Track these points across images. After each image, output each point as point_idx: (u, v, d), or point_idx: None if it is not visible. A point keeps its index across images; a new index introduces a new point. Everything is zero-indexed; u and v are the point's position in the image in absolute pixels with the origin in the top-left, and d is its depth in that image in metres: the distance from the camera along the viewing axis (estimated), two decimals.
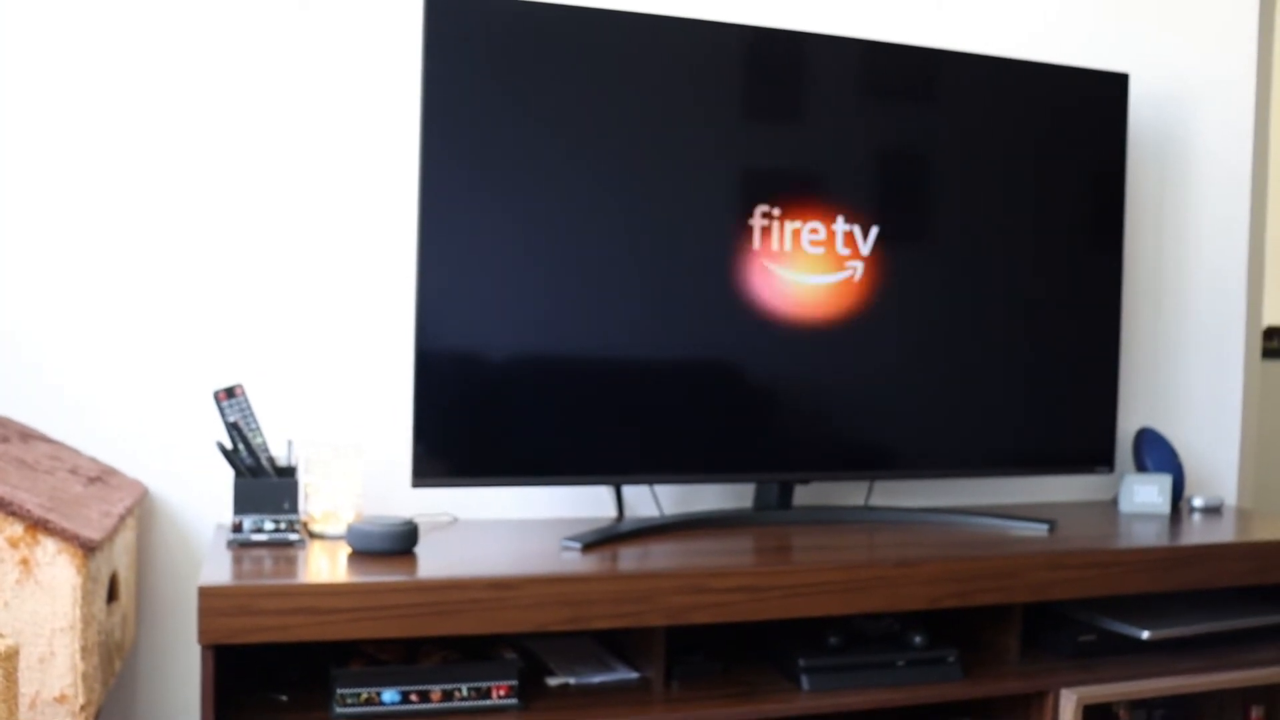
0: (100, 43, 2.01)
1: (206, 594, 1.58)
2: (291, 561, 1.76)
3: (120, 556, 1.81)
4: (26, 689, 1.54)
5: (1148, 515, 2.40)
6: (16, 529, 1.53)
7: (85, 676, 1.58)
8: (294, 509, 1.87)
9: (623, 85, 2.02)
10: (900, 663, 1.92)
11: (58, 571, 1.55)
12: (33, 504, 1.56)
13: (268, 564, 1.74)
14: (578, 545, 1.91)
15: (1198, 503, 2.50)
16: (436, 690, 1.71)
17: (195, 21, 2.05)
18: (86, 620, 1.58)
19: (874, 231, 2.18)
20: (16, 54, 1.97)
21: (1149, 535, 2.20)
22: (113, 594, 1.78)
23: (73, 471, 1.82)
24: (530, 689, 1.80)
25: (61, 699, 1.56)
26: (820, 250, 2.14)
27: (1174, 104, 2.67)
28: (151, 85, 2.03)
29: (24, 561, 1.54)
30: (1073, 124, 2.33)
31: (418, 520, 1.90)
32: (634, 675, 1.87)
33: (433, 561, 1.80)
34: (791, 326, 2.13)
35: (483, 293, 1.95)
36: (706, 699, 1.81)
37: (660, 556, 1.90)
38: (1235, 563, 2.12)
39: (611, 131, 2.01)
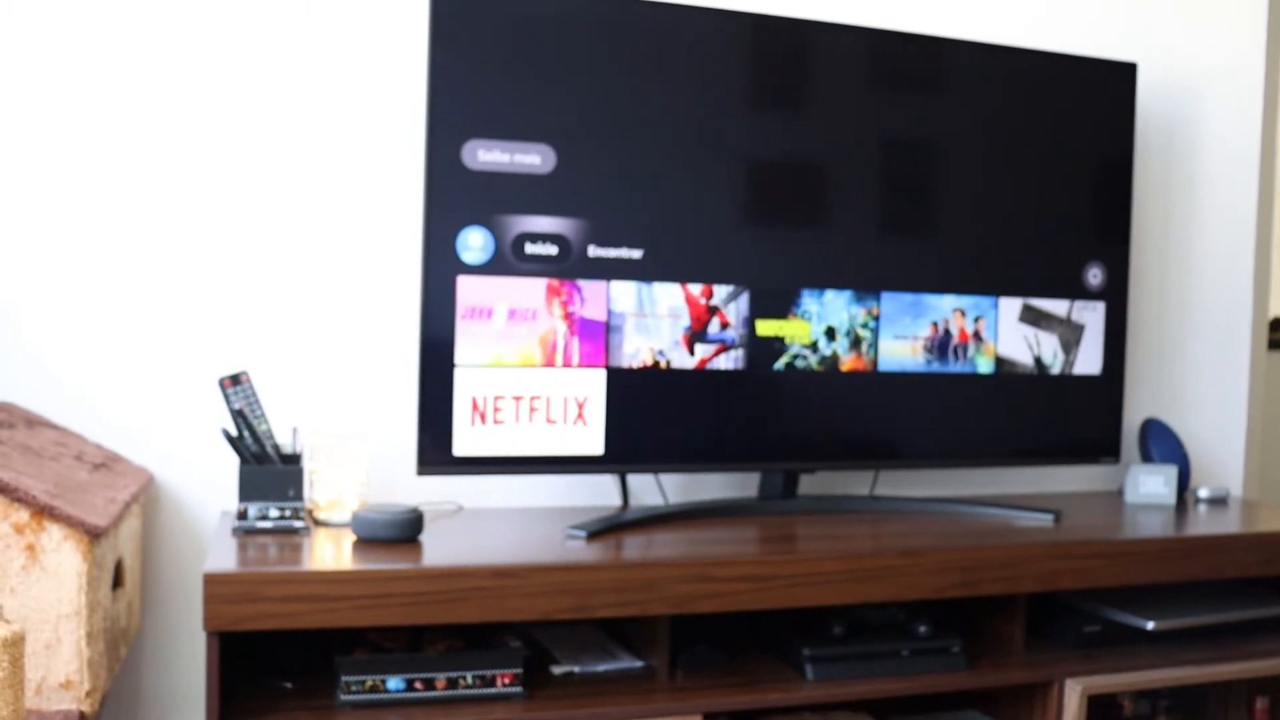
0: (108, 34, 2.00)
1: (211, 581, 1.59)
2: (296, 549, 1.77)
3: (125, 543, 1.81)
4: (32, 675, 1.55)
5: (1153, 506, 2.39)
6: (22, 515, 1.54)
7: (90, 663, 1.58)
8: (299, 496, 1.88)
9: (630, 74, 2.01)
10: (905, 652, 1.92)
11: (63, 558, 1.55)
12: (38, 490, 1.56)
13: (272, 551, 1.74)
14: (582, 534, 1.91)
15: (1203, 494, 2.50)
16: (441, 678, 1.72)
17: (201, 12, 2.04)
18: (92, 606, 1.58)
19: (879, 219, 2.18)
20: (22, 43, 1.97)
21: (1154, 526, 2.20)
22: (118, 580, 1.78)
23: (78, 458, 1.82)
24: (535, 677, 1.80)
25: (67, 685, 1.57)
26: (825, 237, 2.14)
27: (1182, 94, 2.66)
28: (157, 76, 2.03)
29: (30, 548, 1.54)
30: (1080, 113, 2.32)
31: (422, 508, 1.90)
32: (638, 664, 1.87)
33: (437, 549, 1.80)
34: (793, 312, 2.13)
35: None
36: (710, 688, 1.82)
37: (665, 545, 1.90)
38: (1241, 554, 2.12)
39: (617, 121, 2.01)
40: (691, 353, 2.07)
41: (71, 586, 1.56)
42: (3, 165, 1.97)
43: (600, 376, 2.02)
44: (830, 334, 2.16)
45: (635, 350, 2.04)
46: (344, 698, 1.68)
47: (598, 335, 2.01)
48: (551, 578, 1.71)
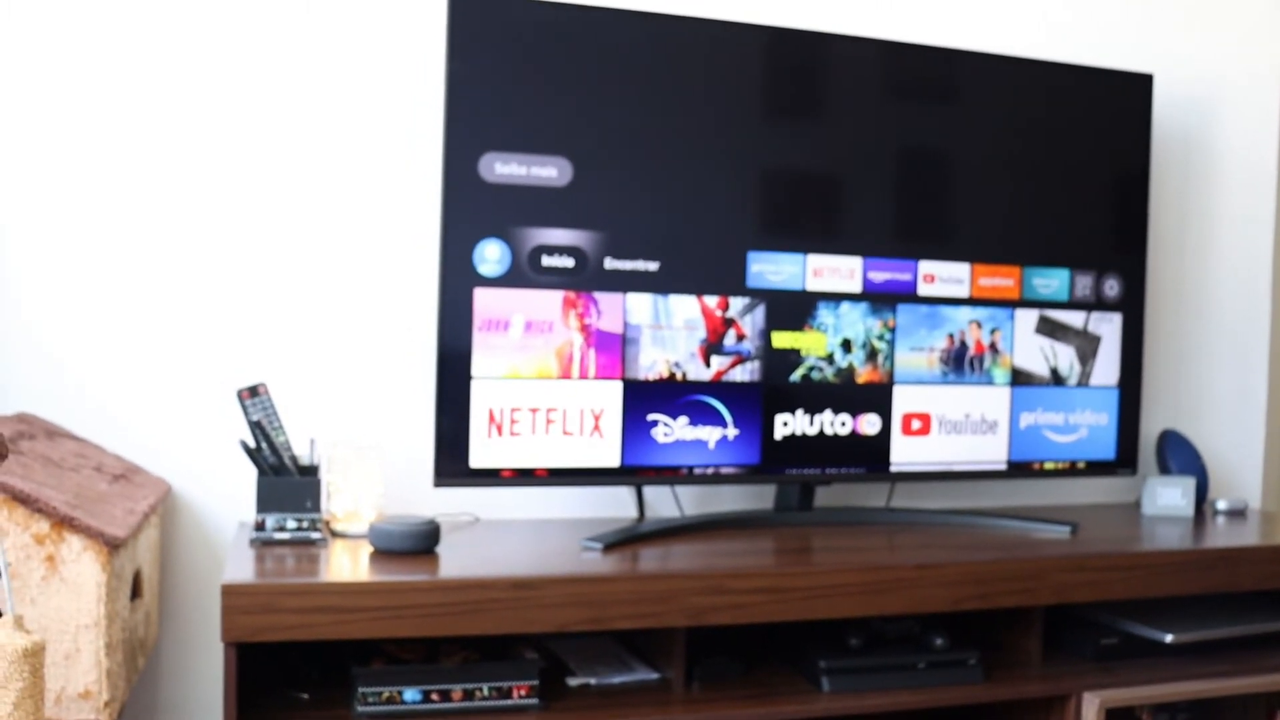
0: (133, 55, 2.02)
1: (229, 592, 1.59)
2: (314, 560, 1.77)
3: (144, 554, 1.82)
4: (52, 685, 1.55)
5: (1171, 518, 2.38)
6: (42, 526, 1.55)
7: (109, 673, 1.59)
8: (316, 508, 1.88)
9: (646, 87, 2.02)
10: (921, 665, 1.92)
11: (83, 568, 1.56)
12: (58, 501, 1.57)
13: (290, 562, 1.75)
14: (599, 546, 1.91)
15: (1221, 505, 2.49)
16: (458, 690, 1.72)
17: (220, 21, 2.06)
18: (111, 617, 1.59)
19: (895, 231, 2.18)
20: (46, 57, 1.98)
21: (1172, 538, 2.19)
22: (136, 591, 1.79)
23: (98, 469, 1.83)
24: (551, 689, 1.80)
25: (86, 695, 1.57)
26: (841, 249, 2.14)
27: (1199, 104, 2.65)
28: (172, 87, 2.04)
29: (49, 558, 1.55)
30: (1097, 124, 2.32)
31: (439, 520, 1.90)
32: (654, 675, 1.87)
33: (454, 561, 1.80)
34: (809, 324, 2.13)
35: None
36: (726, 700, 1.81)
37: (681, 557, 1.90)
38: (1259, 566, 2.11)
39: (634, 134, 2.01)
40: (708, 365, 2.07)
41: (91, 597, 1.57)
42: (24, 177, 1.99)
43: (617, 388, 2.02)
44: (846, 346, 2.16)
45: (652, 362, 2.04)
46: (361, 709, 1.69)
47: (614, 347, 2.02)
48: (568, 589, 1.71)
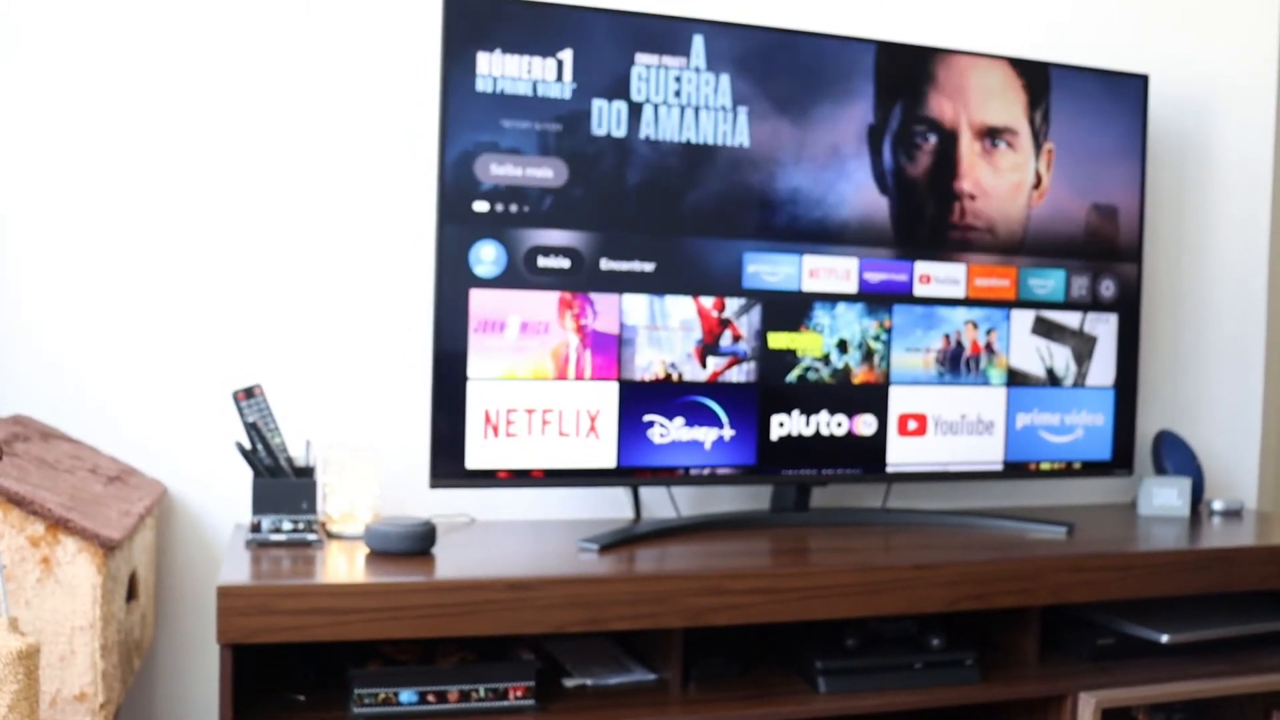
0: (123, 46, 2.02)
1: (225, 594, 1.59)
2: (310, 562, 1.77)
3: (139, 556, 1.82)
4: (47, 687, 1.55)
5: (1167, 518, 2.38)
6: (37, 528, 1.54)
7: (105, 675, 1.59)
8: (312, 509, 1.88)
9: (643, 86, 2.02)
10: (917, 665, 1.92)
11: (78, 570, 1.56)
12: (53, 503, 1.57)
13: (286, 564, 1.75)
14: (595, 546, 1.91)
15: (1217, 506, 2.49)
16: (454, 691, 1.72)
17: (218, 24, 2.06)
18: (106, 619, 1.59)
19: (890, 231, 2.18)
20: (39, 54, 1.98)
21: (1168, 538, 2.19)
22: (132, 593, 1.78)
23: (93, 471, 1.83)
24: (547, 690, 1.80)
25: (81, 697, 1.57)
26: (837, 250, 2.14)
27: (1195, 105, 2.65)
28: (169, 88, 2.04)
29: (45, 560, 1.55)
30: (1092, 124, 2.32)
31: (435, 521, 1.90)
32: (651, 676, 1.87)
33: (450, 562, 1.80)
34: (806, 325, 2.13)
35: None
36: (723, 700, 1.81)
37: (677, 558, 1.90)
38: (1255, 566, 2.11)
39: (630, 131, 2.01)
40: (704, 365, 2.07)
41: (86, 599, 1.56)
42: (21, 178, 1.99)
43: (612, 389, 2.02)
44: (842, 347, 2.16)
45: (648, 363, 2.04)
46: (357, 710, 1.68)
47: (610, 348, 2.02)
48: (564, 590, 1.71)
